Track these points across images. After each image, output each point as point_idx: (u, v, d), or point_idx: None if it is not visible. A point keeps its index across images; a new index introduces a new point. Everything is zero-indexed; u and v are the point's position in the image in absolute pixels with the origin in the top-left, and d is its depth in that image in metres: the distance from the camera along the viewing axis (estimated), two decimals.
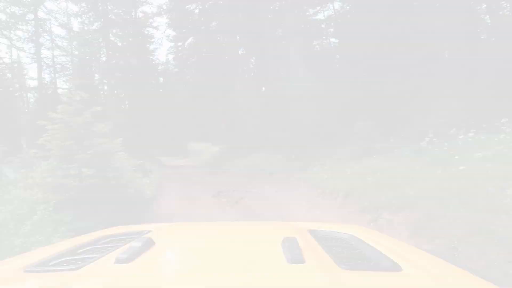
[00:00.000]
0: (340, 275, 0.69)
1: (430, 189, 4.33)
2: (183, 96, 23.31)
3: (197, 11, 19.02)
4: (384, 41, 10.15)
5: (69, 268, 0.79)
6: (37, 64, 19.20)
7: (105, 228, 1.42)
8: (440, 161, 5.56)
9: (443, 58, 10.37)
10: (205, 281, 0.70)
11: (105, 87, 21.11)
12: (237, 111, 16.33)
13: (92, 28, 19.36)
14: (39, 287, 0.75)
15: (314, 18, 17.10)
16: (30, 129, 14.89)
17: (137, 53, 19.85)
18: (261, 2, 14.54)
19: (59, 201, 4.33)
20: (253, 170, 11.23)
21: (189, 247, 1.06)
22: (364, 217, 4.54)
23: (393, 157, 7.07)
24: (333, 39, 17.05)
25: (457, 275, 0.76)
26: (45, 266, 0.85)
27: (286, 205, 6.42)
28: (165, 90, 24.56)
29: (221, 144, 19.09)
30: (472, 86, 8.02)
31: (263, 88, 17.43)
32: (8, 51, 19.18)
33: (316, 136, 10.88)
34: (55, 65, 21.42)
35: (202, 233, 1.28)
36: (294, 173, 9.41)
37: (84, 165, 4.95)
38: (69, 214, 4.22)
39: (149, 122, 19.43)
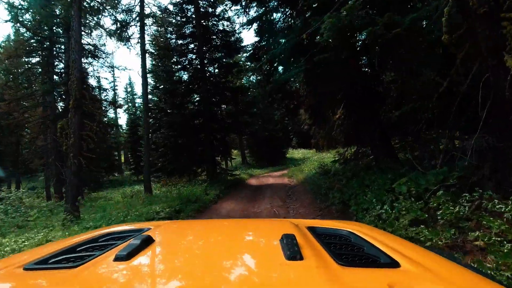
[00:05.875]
0: (338, 272, 0.69)
1: None
2: None
3: None
4: None
5: (68, 266, 0.80)
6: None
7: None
8: None
9: None
10: (204, 278, 0.71)
11: None
12: None
13: None
14: (38, 285, 0.75)
15: None
16: None
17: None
18: None
19: None
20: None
21: (188, 244, 1.07)
22: None
23: None
24: None
25: (455, 271, 0.77)
26: (44, 264, 0.85)
27: None
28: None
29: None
30: None
31: None
32: None
33: None
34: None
35: (201, 230, 1.28)
36: None
37: None
38: None
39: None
